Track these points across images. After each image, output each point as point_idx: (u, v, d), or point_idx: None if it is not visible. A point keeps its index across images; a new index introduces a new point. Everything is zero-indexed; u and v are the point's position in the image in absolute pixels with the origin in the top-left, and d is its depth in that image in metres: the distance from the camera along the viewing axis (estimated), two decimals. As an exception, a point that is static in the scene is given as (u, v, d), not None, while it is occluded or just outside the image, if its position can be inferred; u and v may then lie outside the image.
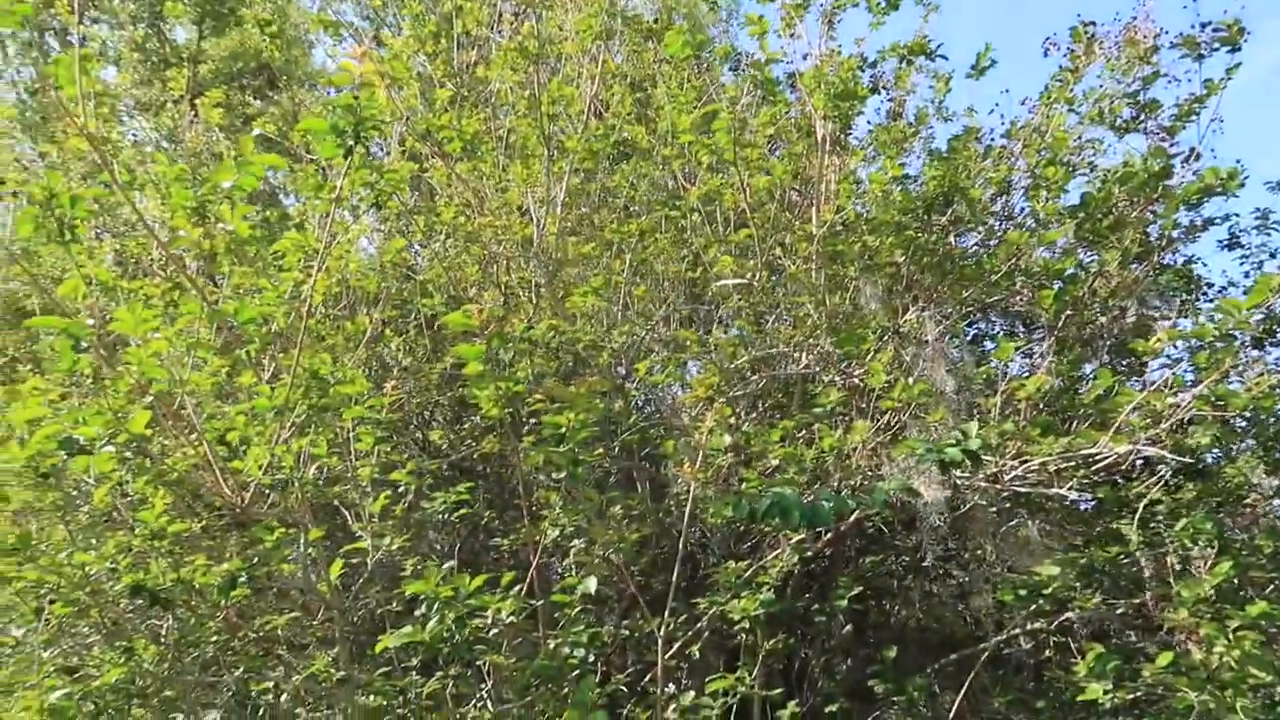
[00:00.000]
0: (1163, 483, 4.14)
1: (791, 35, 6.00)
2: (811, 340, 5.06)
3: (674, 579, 3.54)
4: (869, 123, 7.09)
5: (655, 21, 5.49)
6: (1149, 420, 3.50)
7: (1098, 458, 3.77)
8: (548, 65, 5.59)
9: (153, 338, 2.91)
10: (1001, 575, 5.19)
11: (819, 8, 6.01)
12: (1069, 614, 4.60)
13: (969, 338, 5.89)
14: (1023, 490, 4.30)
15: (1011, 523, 5.09)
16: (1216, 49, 5.03)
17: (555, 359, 5.15)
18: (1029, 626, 4.93)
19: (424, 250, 6.09)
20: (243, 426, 3.16)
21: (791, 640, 5.11)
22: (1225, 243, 6.82)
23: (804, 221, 5.38)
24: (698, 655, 4.60)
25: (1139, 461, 4.55)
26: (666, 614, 3.59)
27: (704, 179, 5.50)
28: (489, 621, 3.38)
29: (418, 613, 3.20)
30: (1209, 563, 3.59)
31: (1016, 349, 4.45)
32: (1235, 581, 3.49)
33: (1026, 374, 4.70)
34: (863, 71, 6.54)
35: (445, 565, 3.18)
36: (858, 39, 5.90)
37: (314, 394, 3.10)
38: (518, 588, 3.39)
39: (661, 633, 3.51)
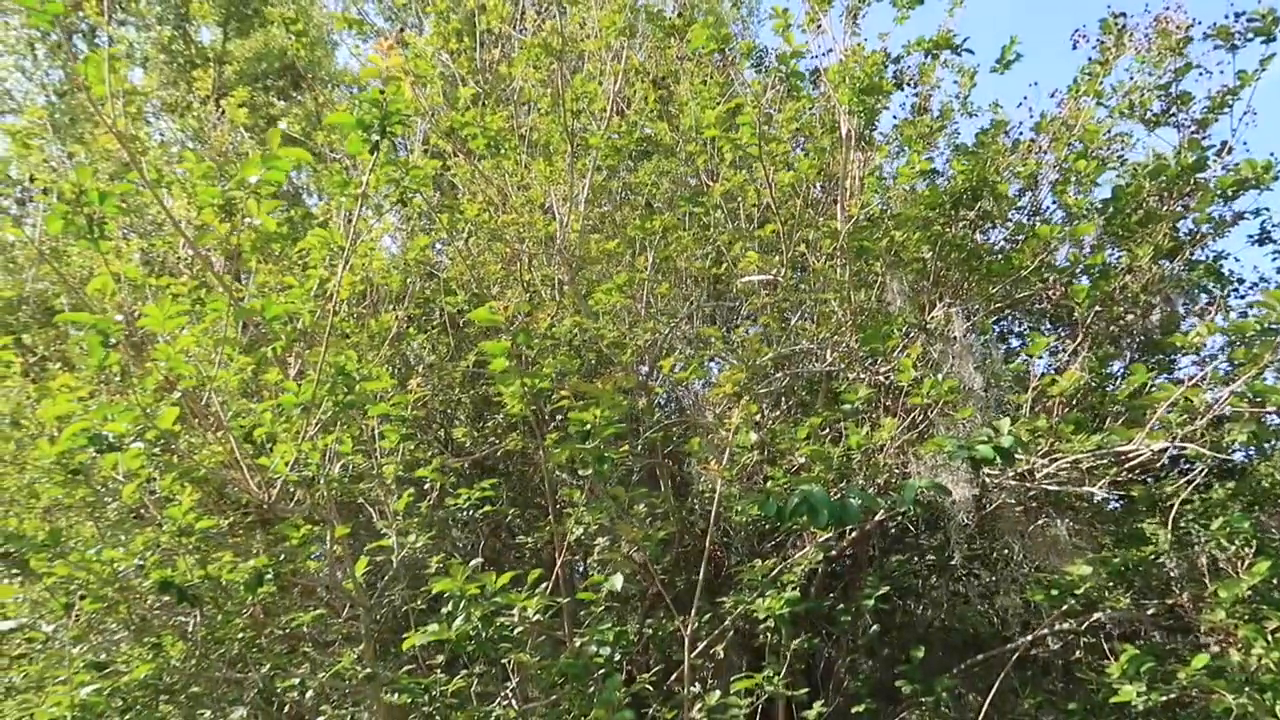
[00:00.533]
0: (1193, 482, 4.06)
1: (817, 29, 5.96)
2: (836, 338, 5.02)
3: (700, 577, 3.51)
4: (894, 118, 7.04)
5: (680, 16, 5.46)
6: (1185, 417, 3.43)
7: (1131, 455, 3.70)
8: (570, 63, 5.58)
9: (181, 334, 2.92)
10: (1029, 575, 5.12)
11: (843, 3, 5.98)
12: (1099, 614, 4.54)
13: (995, 334, 5.81)
14: (1051, 488, 4.24)
15: (1039, 522, 5.02)
16: (1250, 39, 4.93)
17: (578, 356, 5.14)
18: (1058, 627, 4.87)
19: (447, 248, 6.10)
20: (269, 423, 3.16)
21: (816, 640, 5.07)
22: (1256, 238, 6.69)
23: (829, 217, 5.34)
24: (721, 654, 4.58)
25: (1167, 459, 4.48)
26: (693, 613, 3.56)
27: (727, 175, 5.46)
28: (515, 620, 3.38)
29: (444, 610, 3.19)
30: (1246, 563, 3.52)
31: (1047, 345, 4.38)
32: (1274, 582, 3.42)
33: (1054, 371, 4.63)
34: (887, 66, 6.48)
35: (472, 563, 3.16)
36: (882, 34, 5.81)
37: (340, 390, 3.10)
38: (544, 585, 3.37)
39: (688, 631, 3.48)
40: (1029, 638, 4.96)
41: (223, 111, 6.03)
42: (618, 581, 3.42)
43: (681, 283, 5.76)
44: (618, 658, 3.44)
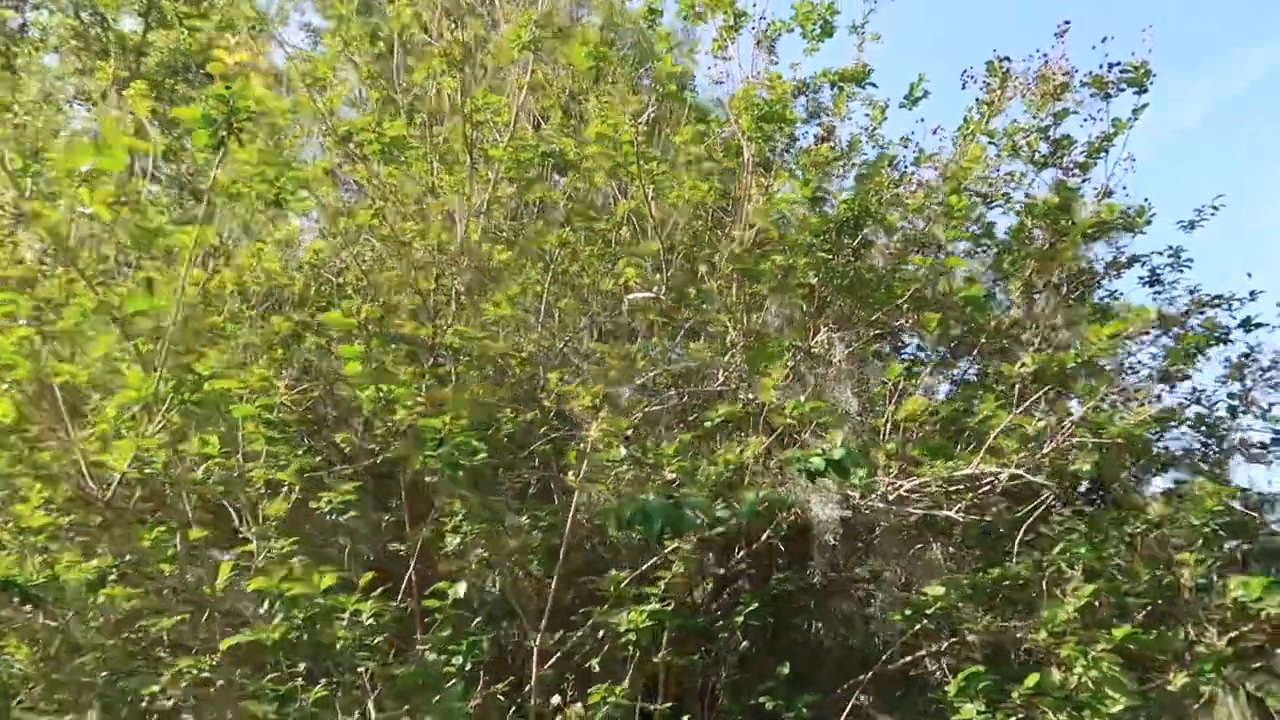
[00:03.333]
0: (1043, 505, 4.20)
1: (724, 58, 6.09)
2: (727, 358, 5.09)
3: (551, 590, 3.52)
4: (803, 147, 7.19)
5: (582, 33, 5.52)
6: (1021, 444, 3.56)
7: (984, 480, 3.83)
8: (477, 75, 5.58)
9: (16, 324, 2.85)
10: (908, 597, 5.23)
11: (751, 31, 6.11)
12: (971, 636, 4.66)
13: (879, 359, 5.95)
14: (919, 511, 4.36)
15: (918, 545, 5.15)
16: (1123, 89, 5.18)
17: (476, 368, 5.12)
18: (935, 647, 4.98)
19: (345, 252, 6.03)
20: (112, 419, 3.10)
21: (698, 658, 5.09)
22: (1146, 279, 7.02)
23: (728, 240, 5.42)
24: (598, 669, 4.57)
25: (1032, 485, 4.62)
26: (543, 625, 3.57)
27: (633, 194, 5.52)
28: (372, 626, 3.35)
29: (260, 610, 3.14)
30: (1073, 586, 3.65)
31: (908, 369, 4.51)
32: (1102, 604, 3.55)
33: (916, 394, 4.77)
34: (798, 96, 6.63)
35: (293, 561, 3.12)
36: (793, 64, 5.96)
37: (187, 389, 3.05)
38: (379, 589, 3.34)
39: (537, 644, 3.49)
40: (909, 658, 5.07)
41: (122, 101, 5.89)
42: (461, 589, 3.42)
43: (581, 298, 5.79)
44: (469, 667, 3.42)
